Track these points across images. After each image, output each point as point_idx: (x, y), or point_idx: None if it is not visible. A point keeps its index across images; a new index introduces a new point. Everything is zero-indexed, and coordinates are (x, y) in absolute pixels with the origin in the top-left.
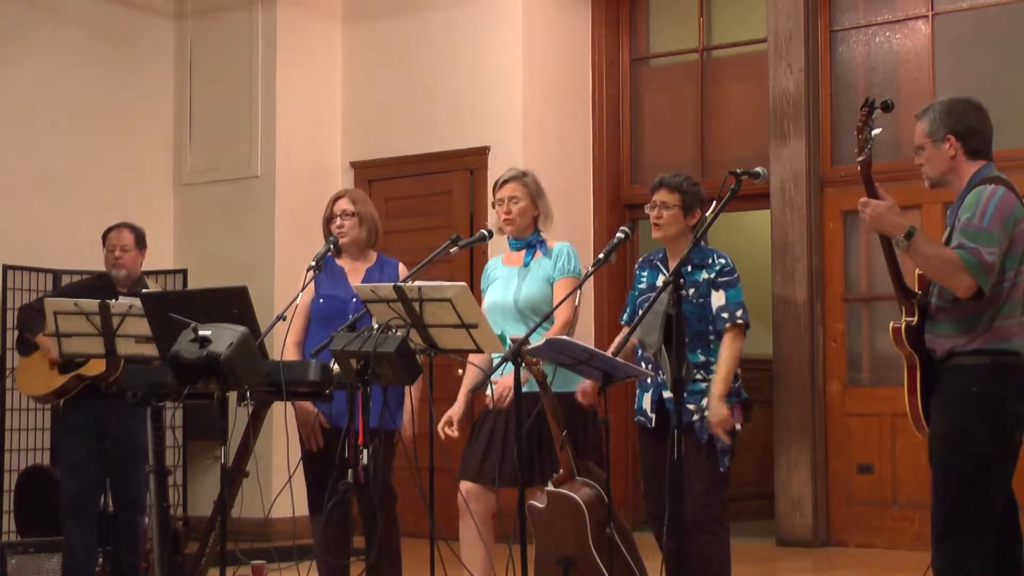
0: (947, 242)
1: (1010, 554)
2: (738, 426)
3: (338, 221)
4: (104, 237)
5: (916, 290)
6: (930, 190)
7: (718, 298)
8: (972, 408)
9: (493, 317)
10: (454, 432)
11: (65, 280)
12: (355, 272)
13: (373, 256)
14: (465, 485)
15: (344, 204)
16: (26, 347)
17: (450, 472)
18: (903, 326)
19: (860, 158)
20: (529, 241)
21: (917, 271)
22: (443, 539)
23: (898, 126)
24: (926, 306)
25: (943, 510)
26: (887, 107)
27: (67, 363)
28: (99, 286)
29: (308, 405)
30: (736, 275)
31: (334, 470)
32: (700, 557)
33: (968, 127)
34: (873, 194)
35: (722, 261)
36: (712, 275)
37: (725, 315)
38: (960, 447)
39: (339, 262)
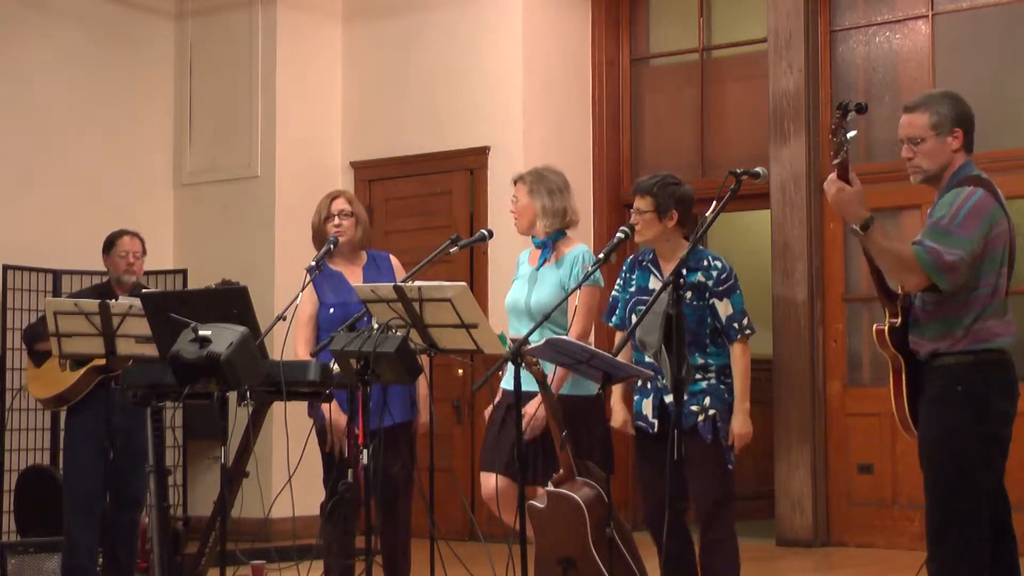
0: None
1: (1004, 554)
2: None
3: (336, 220)
4: (112, 243)
5: (898, 291)
6: (930, 189)
7: (724, 307)
8: (957, 408)
9: (510, 316)
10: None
11: (65, 280)
12: (352, 275)
13: (363, 255)
14: (483, 475)
15: (342, 204)
16: (39, 357)
17: (450, 472)
18: (887, 328)
19: (836, 161)
20: (544, 242)
21: None
22: (443, 539)
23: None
24: (909, 307)
25: (936, 512)
26: (861, 110)
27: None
28: (99, 293)
29: (340, 418)
30: (735, 279)
31: (334, 470)
32: (714, 552)
33: (971, 120)
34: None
35: (718, 264)
36: (710, 281)
37: (736, 326)
38: (948, 447)
39: (333, 266)
